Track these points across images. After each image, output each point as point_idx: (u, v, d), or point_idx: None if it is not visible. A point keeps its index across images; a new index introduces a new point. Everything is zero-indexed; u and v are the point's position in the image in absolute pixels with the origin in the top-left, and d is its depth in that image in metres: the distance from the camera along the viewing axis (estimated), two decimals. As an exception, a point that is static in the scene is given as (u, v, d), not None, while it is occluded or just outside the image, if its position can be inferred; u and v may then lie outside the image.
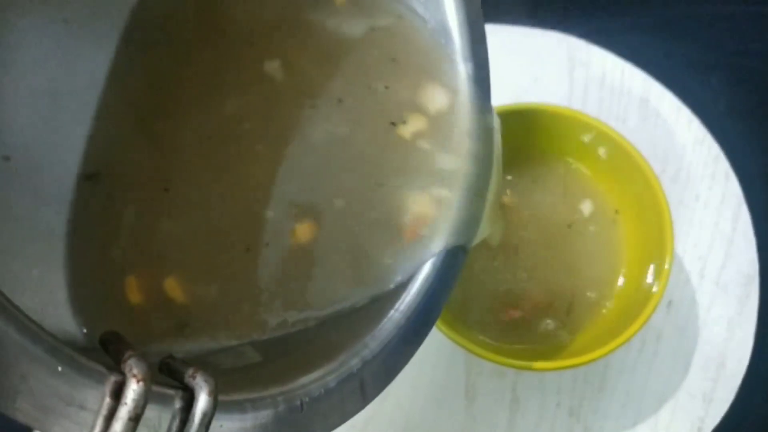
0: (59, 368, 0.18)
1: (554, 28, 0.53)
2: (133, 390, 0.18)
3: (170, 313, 0.29)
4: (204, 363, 0.27)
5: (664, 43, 0.54)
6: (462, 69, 0.31)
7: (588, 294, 0.41)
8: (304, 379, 0.25)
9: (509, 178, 0.44)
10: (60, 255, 0.28)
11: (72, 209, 0.28)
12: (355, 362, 0.27)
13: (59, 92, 0.28)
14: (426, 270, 0.30)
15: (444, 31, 0.31)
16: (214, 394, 0.20)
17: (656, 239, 0.39)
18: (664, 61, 0.53)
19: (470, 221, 0.31)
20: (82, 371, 0.19)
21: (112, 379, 0.19)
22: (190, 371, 0.21)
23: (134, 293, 0.29)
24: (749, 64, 0.54)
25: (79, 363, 0.19)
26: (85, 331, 0.27)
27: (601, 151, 0.43)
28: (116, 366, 0.20)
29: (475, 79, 0.31)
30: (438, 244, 0.30)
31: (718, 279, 0.46)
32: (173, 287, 0.29)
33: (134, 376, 0.19)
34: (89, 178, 0.29)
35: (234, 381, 0.25)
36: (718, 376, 0.44)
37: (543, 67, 0.52)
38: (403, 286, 0.30)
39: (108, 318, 0.28)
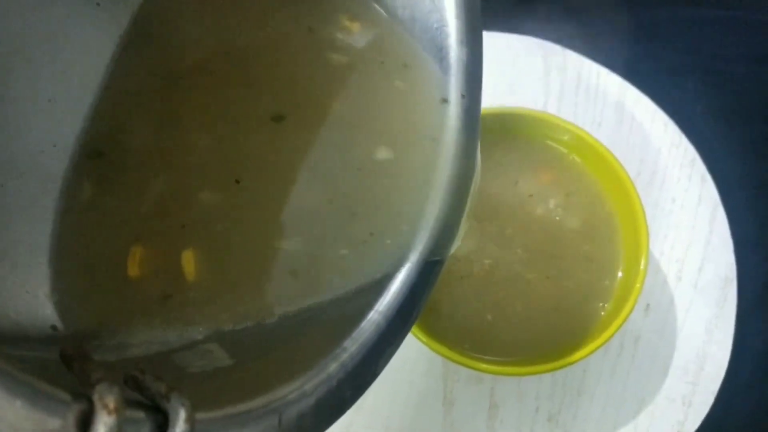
0: (18, 403, 0.16)
1: (529, 33, 0.53)
2: (104, 423, 0.16)
3: (159, 284, 0.28)
4: (170, 364, 0.26)
5: (640, 48, 0.54)
6: (455, 55, 0.31)
7: (581, 295, 0.41)
8: (283, 389, 0.24)
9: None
10: (42, 229, 0.27)
11: (66, 183, 0.28)
12: (334, 367, 0.25)
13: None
14: (405, 270, 0.29)
15: (439, 12, 0.31)
16: (191, 420, 0.18)
17: (632, 242, 0.39)
18: (640, 66, 0.53)
19: (452, 223, 0.30)
20: (41, 402, 0.16)
21: (77, 408, 0.17)
22: (163, 389, 0.19)
23: (134, 263, 0.28)
24: (724, 67, 0.54)
25: (39, 392, 0.17)
26: (55, 312, 0.26)
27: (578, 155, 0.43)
28: (81, 387, 0.17)
29: (468, 66, 0.31)
30: (419, 246, 0.29)
31: (695, 281, 0.46)
32: (189, 260, 0.29)
33: (105, 406, 0.17)
34: (94, 156, 0.29)
35: (206, 392, 0.23)
36: (698, 380, 0.44)
37: (518, 72, 0.52)
38: (382, 287, 0.29)
39: (90, 292, 0.27)
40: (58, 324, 0.26)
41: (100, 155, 0.30)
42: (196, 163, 0.31)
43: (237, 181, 0.30)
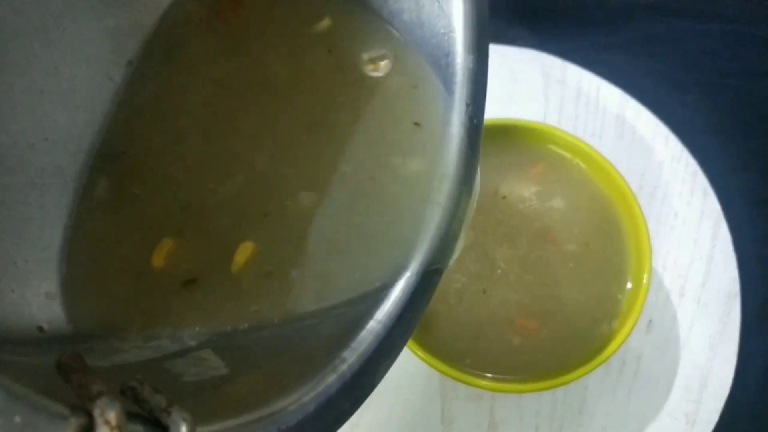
0: (17, 419, 0.16)
1: (529, 46, 0.52)
2: None
3: (186, 273, 0.29)
4: (164, 373, 0.26)
5: (640, 62, 0.54)
6: (462, 62, 0.30)
7: (587, 309, 0.39)
8: (282, 401, 0.23)
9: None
10: (35, 226, 0.27)
11: (76, 180, 0.29)
12: (332, 379, 0.25)
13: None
14: (405, 279, 0.28)
15: (447, 18, 0.30)
16: None
17: (636, 256, 0.38)
18: (640, 80, 0.53)
19: (453, 232, 0.30)
20: (40, 417, 0.16)
21: (75, 422, 0.16)
22: (163, 403, 0.18)
23: (161, 254, 0.29)
24: (725, 82, 0.54)
25: (37, 407, 0.16)
26: (44, 312, 0.26)
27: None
28: (79, 399, 0.17)
29: (473, 74, 0.30)
30: (419, 255, 0.28)
31: (698, 297, 0.45)
32: (246, 251, 0.29)
33: (107, 422, 0.16)
34: (114, 155, 0.30)
35: (205, 404, 0.23)
36: (701, 397, 0.43)
37: (518, 85, 0.51)
38: (381, 295, 0.28)
39: (103, 284, 0.28)
40: (46, 325, 0.26)
41: (121, 154, 0.30)
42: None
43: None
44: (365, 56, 0.32)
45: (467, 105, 0.30)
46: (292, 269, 0.30)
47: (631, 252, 0.40)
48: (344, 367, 0.25)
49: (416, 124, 0.31)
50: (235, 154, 0.31)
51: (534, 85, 0.51)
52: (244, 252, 0.29)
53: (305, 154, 0.31)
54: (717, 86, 0.53)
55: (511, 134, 0.42)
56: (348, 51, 0.32)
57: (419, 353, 0.36)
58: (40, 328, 0.26)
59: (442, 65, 0.30)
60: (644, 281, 0.37)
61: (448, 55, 0.30)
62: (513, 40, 0.53)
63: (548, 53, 0.52)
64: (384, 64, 0.32)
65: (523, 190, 0.42)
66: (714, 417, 0.43)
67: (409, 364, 0.40)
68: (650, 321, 0.45)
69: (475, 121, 0.30)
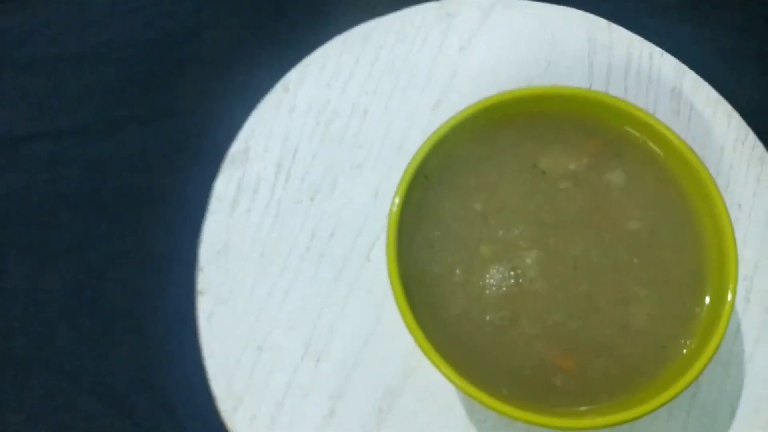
0: None
1: (571, 5, 0.45)
2: None
3: None
4: None
5: (697, 28, 0.48)
6: None
7: (656, 328, 0.33)
8: None
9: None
10: None
11: None
12: None
13: None
14: None
15: None
16: None
17: (718, 262, 0.32)
18: (697, 48, 0.46)
19: None
20: None
21: None
22: None
23: None
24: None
25: None
26: None
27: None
28: None
29: None
30: None
31: (767, 304, 0.39)
32: None
33: None
34: None
35: None
36: (771, 423, 0.37)
37: (559, 50, 0.44)
38: None
39: None
40: None
41: None
42: None
43: None
44: None
45: None
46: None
47: (710, 256, 0.33)
48: None
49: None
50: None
51: (577, 52, 0.44)
52: None
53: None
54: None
55: (554, 104, 0.35)
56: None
57: (455, 380, 0.30)
58: None
59: None
60: (728, 298, 0.31)
61: None
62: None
63: (594, 14, 0.45)
64: None
65: (569, 162, 0.35)
66: (786, 447, 0.37)
67: (431, 383, 0.34)
68: (712, 332, 0.38)
69: None
